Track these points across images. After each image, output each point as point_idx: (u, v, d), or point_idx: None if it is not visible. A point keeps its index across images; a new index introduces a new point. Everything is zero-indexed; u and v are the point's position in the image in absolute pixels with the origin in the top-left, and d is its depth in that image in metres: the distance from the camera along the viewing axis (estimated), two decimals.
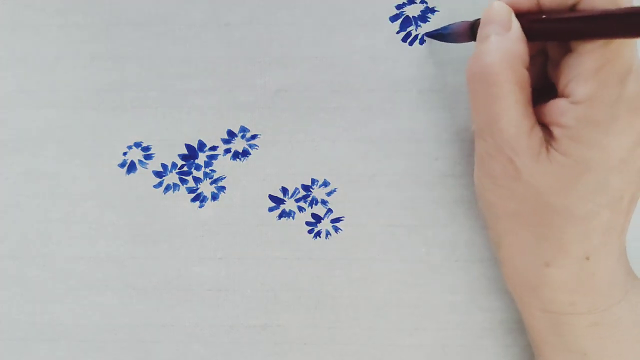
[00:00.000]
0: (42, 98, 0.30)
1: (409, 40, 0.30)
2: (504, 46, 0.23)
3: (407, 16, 0.30)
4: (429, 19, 0.30)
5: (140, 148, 0.30)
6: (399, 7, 0.30)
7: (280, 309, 0.29)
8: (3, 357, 0.29)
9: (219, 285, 0.29)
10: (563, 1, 0.22)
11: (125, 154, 0.30)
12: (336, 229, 0.30)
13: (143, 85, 0.30)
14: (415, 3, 0.30)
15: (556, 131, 0.23)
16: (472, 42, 0.25)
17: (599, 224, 0.23)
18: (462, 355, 0.29)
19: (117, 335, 0.29)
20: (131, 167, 0.30)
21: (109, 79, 0.30)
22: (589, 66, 0.22)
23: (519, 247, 0.25)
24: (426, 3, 0.30)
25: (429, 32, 0.29)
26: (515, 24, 0.23)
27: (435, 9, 0.30)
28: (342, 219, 0.30)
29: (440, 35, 0.29)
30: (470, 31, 0.26)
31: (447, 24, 0.29)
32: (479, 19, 0.25)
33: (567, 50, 0.23)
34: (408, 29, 0.30)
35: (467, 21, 0.27)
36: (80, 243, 0.30)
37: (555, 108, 0.23)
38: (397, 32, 0.30)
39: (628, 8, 0.20)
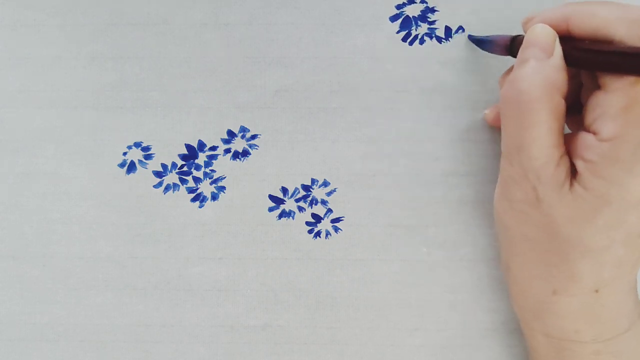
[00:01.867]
0: (42, 98, 0.30)
1: (409, 40, 0.30)
2: (544, 73, 0.23)
3: (407, 16, 0.30)
4: (428, 19, 0.30)
5: (140, 148, 0.30)
6: (399, 7, 0.30)
7: (280, 309, 0.29)
8: (3, 357, 0.29)
9: (219, 285, 0.29)
10: (594, 31, 0.22)
11: (125, 154, 0.30)
12: (336, 229, 0.30)
13: (143, 85, 0.30)
14: (415, 3, 0.30)
15: (580, 164, 0.23)
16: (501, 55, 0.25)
17: (612, 258, 0.23)
18: (463, 355, 0.29)
19: (117, 335, 0.29)
20: (131, 167, 0.30)
21: (109, 79, 0.30)
22: (616, 105, 0.22)
23: (528, 272, 0.25)
24: (426, 3, 0.30)
25: (472, 36, 0.29)
26: (558, 51, 0.23)
27: (435, 8, 0.30)
28: (342, 219, 0.30)
29: (480, 42, 0.29)
30: (509, 46, 0.26)
31: (477, 28, 0.29)
32: (520, 36, 0.25)
33: (596, 87, 0.23)
34: (408, 29, 0.30)
35: (509, 35, 0.26)
36: (80, 243, 0.30)
37: (581, 142, 0.23)
38: (397, 32, 0.30)
39: None
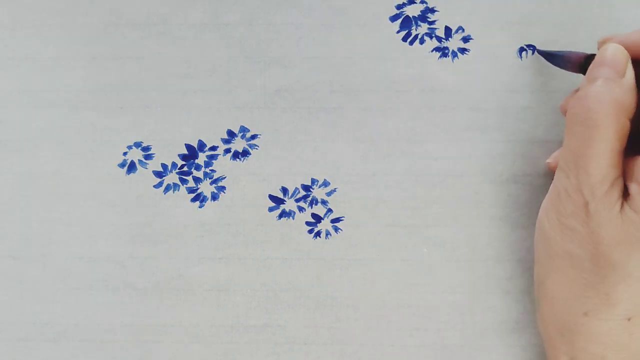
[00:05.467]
0: (42, 98, 0.30)
1: (409, 40, 0.30)
2: (614, 94, 0.23)
3: (407, 16, 0.30)
4: (428, 19, 0.30)
5: (140, 148, 0.30)
6: (399, 7, 0.30)
7: (280, 309, 0.29)
8: (3, 357, 0.29)
9: (219, 285, 0.29)
10: None
11: (125, 154, 0.30)
12: (336, 229, 0.30)
13: (143, 85, 0.30)
14: (415, 3, 0.30)
15: (633, 188, 0.23)
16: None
17: None
18: (463, 355, 0.29)
19: (117, 335, 0.29)
20: (131, 167, 0.30)
21: (109, 79, 0.30)
22: None
23: (563, 289, 0.25)
24: (426, 3, 0.30)
25: (541, 50, 0.29)
26: (630, 73, 0.23)
27: (435, 9, 0.30)
28: (342, 219, 0.30)
29: (551, 56, 0.28)
30: (582, 64, 0.26)
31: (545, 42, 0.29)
32: (594, 55, 0.25)
33: None
34: (408, 29, 0.30)
35: (583, 53, 0.26)
36: (80, 243, 0.30)
37: (638, 166, 0.23)
38: (397, 32, 0.30)
39: None
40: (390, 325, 0.29)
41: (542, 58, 0.29)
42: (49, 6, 0.31)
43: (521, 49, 0.29)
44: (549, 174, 0.29)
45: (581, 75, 0.26)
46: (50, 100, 0.30)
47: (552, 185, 0.25)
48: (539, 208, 0.27)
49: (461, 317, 0.29)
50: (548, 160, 0.28)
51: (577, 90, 0.26)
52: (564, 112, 0.26)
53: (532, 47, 0.29)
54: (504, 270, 0.29)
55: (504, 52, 0.30)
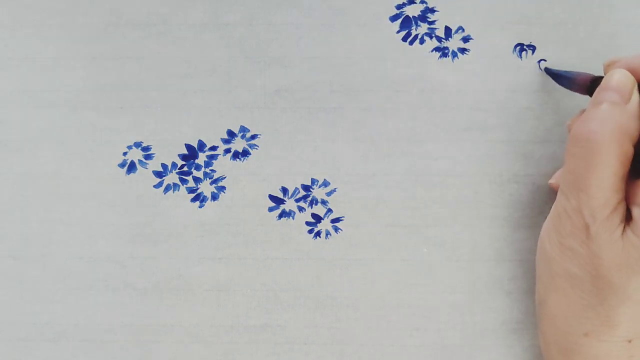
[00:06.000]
0: (42, 98, 0.30)
1: (409, 40, 0.30)
2: (618, 119, 0.23)
3: (407, 16, 0.30)
4: (428, 19, 0.30)
5: (140, 148, 0.30)
6: (399, 7, 0.30)
7: (280, 309, 0.29)
8: (3, 357, 0.29)
9: (219, 285, 0.29)
10: None
11: (125, 154, 0.30)
12: (336, 229, 0.30)
13: (143, 85, 0.30)
14: (415, 3, 0.30)
15: (636, 212, 0.23)
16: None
17: None
18: (463, 355, 0.29)
19: (117, 335, 0.29)
20: (131, 167, 0.30)
21: (109, 79, 0.30)
22: None
23: (563, 309, 0.25)
24: (426, 3, 0.30)
25: (549, 69, 0.29)
26: (635, 98, 0.23)
27: (435, 9, 0.30)
28: (342, 219, 0.30)
29: (558, 76, 0.28)
30: (589, 86, 0.26)
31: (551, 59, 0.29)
32: (602, 77, 0.25)
33: None
34: (408, 29, 0.30)
35: (590, 75, 0.26)
36: (80, 243, 0.30)
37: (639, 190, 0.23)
38: (397, 32, 0.30)
39: None
40: (390, 325, 0.29)
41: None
42: (49, 6, 0.31)
43: (521, 49, 0.29)
44: (550, 173, 0.29)
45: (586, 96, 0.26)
46: (50, 100, 0.30)
47: (553, 206, 0.25)
48: (540, 208, 0.27)
49: (461, 317, 0.29)
50: (550, 181, 0.28)
51: (583, 111, 0.26)
52: (570, 131, 0.26)
53: (532, 47, 0.29)
54: (505, 270, 0.29)
55: (504, 52, 0.30)
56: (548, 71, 0.29)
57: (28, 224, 0.30)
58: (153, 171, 0.30)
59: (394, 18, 0.30)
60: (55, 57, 0.30)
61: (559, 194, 0.25)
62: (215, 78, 0.30)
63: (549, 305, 0.26)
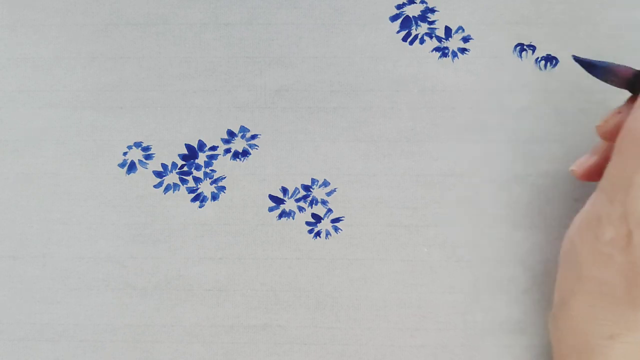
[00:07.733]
0: (42, 98, 0.30)
1: (409, 40, 0.30)
2: None
3: (407, 16, 0.30)
4: (428, 19, 0.30)
5: (140, 148, 0.30)
6: (399, 7, 0.30)
7: (280, 309, 0.29)
8: (3, 357, 0.29)
9: (219, 285, 0.29)
10: None
11: (125, 154, 0.30)
12: (336, 229, 0.30)
13: (143, 85, 0.30)
14: (415, 3, 0.30)
15: None
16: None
17: None
18: (463, 355, 0.29)
19: (117, 335, 0.29)
20: (131, 167, 0.30)
21: (109, 79, 0.30)
22: None
23: (588, 311, 0.24)
24: (426, 3, 0.30)
25: (580, 58, 0.27)
26: None
27: (435, 9, 0.30)
28: (342, 219, 0.30)
29: (592, 66, 0.26)
30: (630, 79, 0.25)
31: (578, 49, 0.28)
32: None
33: None
34: (408, 29, 0.30)
35: (632, 68, 0.25)
36: (80, 243, 0.30)
37: None
38: (397, 32, 0.30)
39: None
40: (391, 325, 0.29)
41: (572, 62, 0.27)
42: (49, 6, 0.31)
43: (521, 49, 0.29)
44: (550, 173, 0.29)
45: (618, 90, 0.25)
46: (50, 100, 0.30)
47: (589, 204, 0.24)
48: (540, 208, 0.27)
49: (461, 317, 0.29)
50: (572, 168, 0.27)
51: (619, 112, 0.25)
52: (602, 134, 0.25)
53: (532, 47, 0.29)
54: (505, 270, 0.29)
55: (504, 52, 0.30)
56: (580, 61, 0.26)
57: (28, 224, 0.30)
58: (153, 171, 0.30)
59: (394, 18, 0.30)
60: (55, 57, 0.30)
61: (598, 193, 0.24)
62: (215, 78, 0.30)
63: (571, 305, 0.25)
